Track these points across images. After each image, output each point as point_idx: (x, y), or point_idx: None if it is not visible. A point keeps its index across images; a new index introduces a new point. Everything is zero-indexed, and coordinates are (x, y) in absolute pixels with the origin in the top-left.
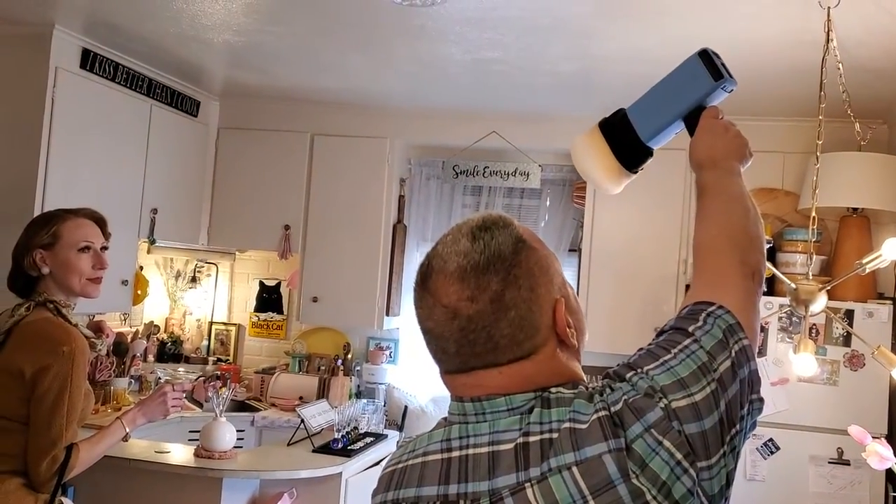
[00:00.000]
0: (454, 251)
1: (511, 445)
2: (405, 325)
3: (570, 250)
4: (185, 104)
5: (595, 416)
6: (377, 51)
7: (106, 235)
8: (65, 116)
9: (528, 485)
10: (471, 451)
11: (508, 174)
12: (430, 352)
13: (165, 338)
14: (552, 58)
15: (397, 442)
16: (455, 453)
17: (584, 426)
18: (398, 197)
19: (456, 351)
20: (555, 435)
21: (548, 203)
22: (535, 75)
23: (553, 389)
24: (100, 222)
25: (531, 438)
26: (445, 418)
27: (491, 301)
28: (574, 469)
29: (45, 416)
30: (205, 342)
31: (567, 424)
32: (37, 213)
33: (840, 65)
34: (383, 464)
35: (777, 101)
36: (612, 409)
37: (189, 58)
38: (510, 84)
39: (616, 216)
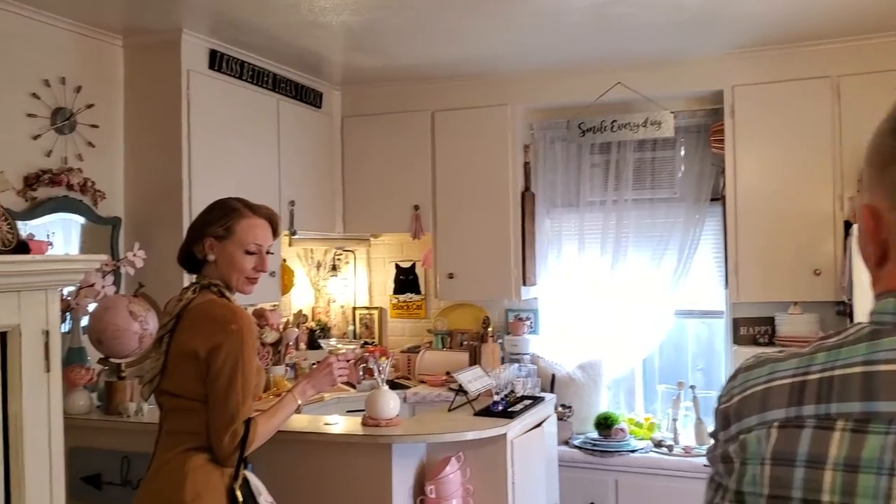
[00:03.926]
0: None
1: None
2: (543, 294)
3: (712, 199)
4: (309, 96)
5: None
6: (494, 9)
7: (276, 236)
8: (200, 117)
9: None
10: None
11: (638, 125)
12: None
13: (314, 325)
14: None
15: (555, 406)
16: None
17: None
18: (523, 164)
19: None
20: None
21: (682, 152)
22: (658, 13)
23: None
24: (274, 224)
25: None
26: (881, 324)
27: None
28: None
29: (222, 394)
30: (350, 327)
31: None
32: (186, 216)
33: None
34: (740, 383)
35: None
36: None
37: (309, 46)
38: (633, 27)
39: (759, 157)
